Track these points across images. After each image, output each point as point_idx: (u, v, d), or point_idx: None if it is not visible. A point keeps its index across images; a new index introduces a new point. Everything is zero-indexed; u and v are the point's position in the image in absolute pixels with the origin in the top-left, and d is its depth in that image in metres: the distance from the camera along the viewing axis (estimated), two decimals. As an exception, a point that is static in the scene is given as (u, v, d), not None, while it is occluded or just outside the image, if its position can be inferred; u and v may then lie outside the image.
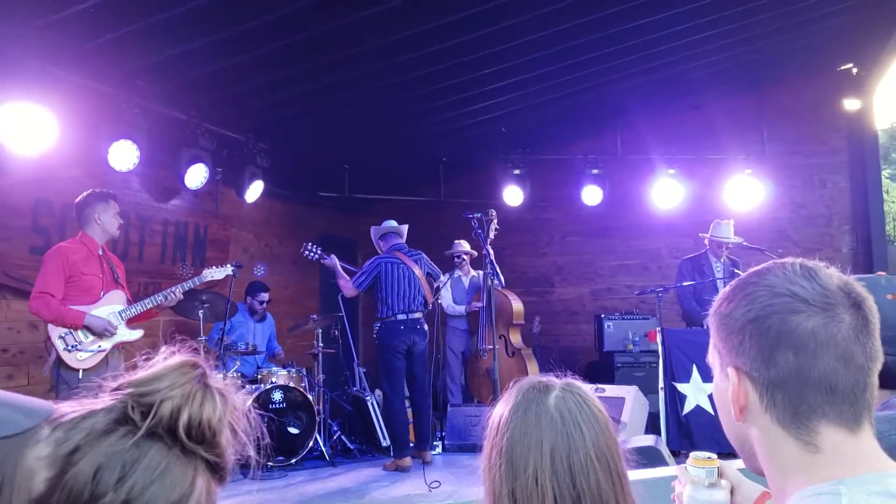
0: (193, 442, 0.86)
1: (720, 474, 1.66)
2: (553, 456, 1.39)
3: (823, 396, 1.09)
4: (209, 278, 5.79)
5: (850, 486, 1.05)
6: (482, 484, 1.49)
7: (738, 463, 1.79)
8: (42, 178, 6.28)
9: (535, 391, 1.49)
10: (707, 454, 1.67)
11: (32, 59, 5.32)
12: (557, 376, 1.55)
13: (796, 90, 9.84)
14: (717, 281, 7.64)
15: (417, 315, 7.34)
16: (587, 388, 1.54)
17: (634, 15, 6.62)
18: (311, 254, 7.53)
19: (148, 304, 5.43)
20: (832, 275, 1.15)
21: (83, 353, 5.09)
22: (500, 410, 1.51)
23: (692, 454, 1.68)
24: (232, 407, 0.91)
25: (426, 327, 7.47)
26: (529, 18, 6.26)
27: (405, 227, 7.74)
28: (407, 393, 7.51)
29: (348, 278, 7.46)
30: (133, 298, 5.63)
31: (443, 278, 8.28)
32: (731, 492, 1.65)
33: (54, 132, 5.52)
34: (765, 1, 6.95)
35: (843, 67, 9.56)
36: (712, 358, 1.25)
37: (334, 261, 7.54)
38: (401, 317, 7.25)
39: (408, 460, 7.06)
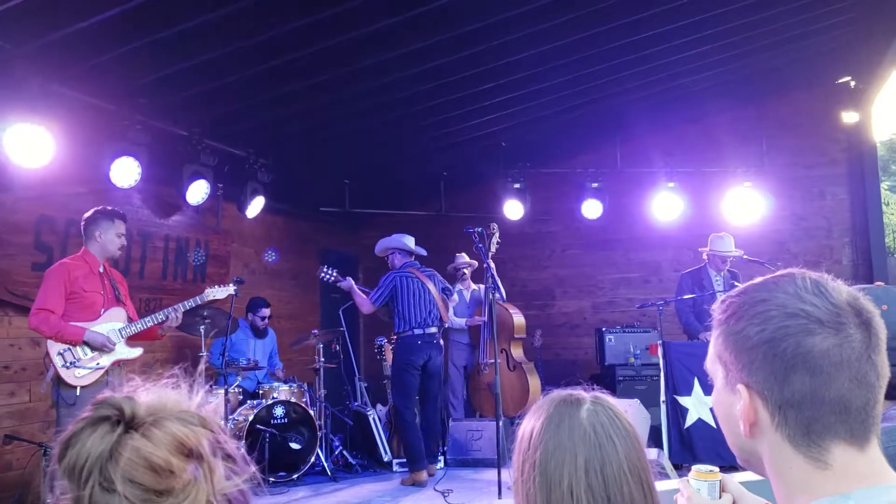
0: None
1: (722, 488, 1.67)
2: (587, 469, 1.40)
3: (836, 416, 1.09)
4: (211, 297, 5.77)
5: (859, 499, 1.06)
6: (513, 497, 1.50)
7: (741, 476, 1.80)
8: (45, 194, 6.30)
9: (567, 405, 1.50)
10: (709, 467, 1.67)
11: (35, 76, 5.35)
12: (585, 389, 1.57)
13: (795, 103, 9.88)
14: (717, 294, 7.65)
15: (433, 330, 7.38)
16: (615, 402, 1.55)
17: (634, 29, 6.66)
18: (328, 276, 7.60)
19: (148, 321, 5.42)
20: (840, 289, 1.15)
21: (81, 370, 5.07)
22: (531, 424, 1.51)
23: (694, 467, 1.69)
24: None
25: (441, 342, 7.55)
26: (529, 33, 6.29)
27: (413, 245, 7.76)
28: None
29: (364, 296, 7.49)
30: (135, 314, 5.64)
31: (455, 297, 8.26)
32: (733, 505, 1.65)
33: (57, 149, 5.55)
34: (763, 15, 6.99)
35: (841, 80, 9.59)
36: (713, 367, 1.25)
37: (350, 282, 7.59)
38: (417, 331, 7.30)
39: (424, 474, 7.07)
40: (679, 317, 7.92)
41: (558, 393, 1.56)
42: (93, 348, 5.12)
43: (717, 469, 1.68)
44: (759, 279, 1.22)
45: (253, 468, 1.02)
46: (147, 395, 0.99)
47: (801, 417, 1.10)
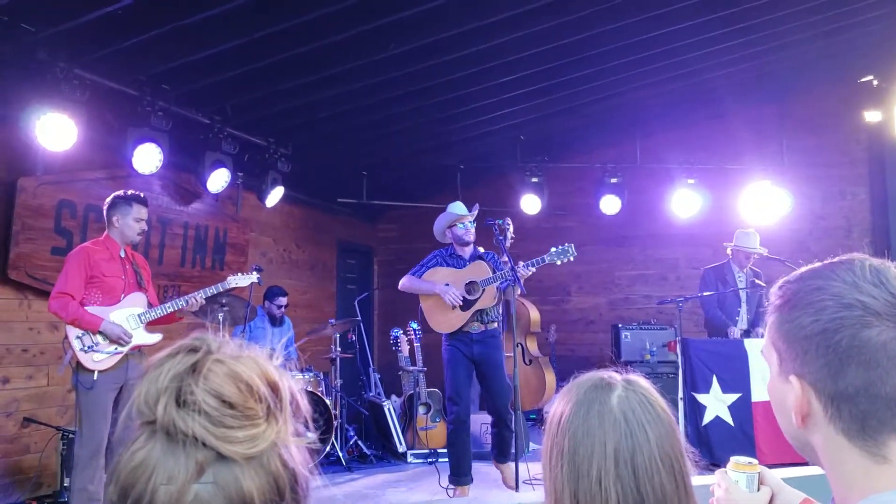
0: None
1: (761, 480, 1.65)
2: (617, 458, 1.35)
3: (893, 411, 1.06)
4: (233, 285, 5.70)
5: None
6: (543, 481, 1.46)
7: (778, 472, 1.78)
8: (66, 179, 6.33)
9: (597, 389, 1.43)
10: (748, 459, 1.66)
11: (58, 61, 5.37)
12: (618, 371, 1.50)
13: (816, 101, 9.82)
14: (741, 291, 7.59)
15: None
16: (649, 386, 1.48)
17: (654, 25, 6.62)
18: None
19: (169, 308, 5.38)
20: None
21: (99, 355, 5.05)
22: (560, 409, 1.45)
23: (733, 459, 1.67)
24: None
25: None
26: (548, 27, 6.26)
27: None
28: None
29: None
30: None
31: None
32: (772, 498, 1.64)
33: (79, 134, 5.57)
34: (785, 13, 6.94)
35: (863, 79, 9.51)
36: (768, 353, 1.22)
37: None
38: None
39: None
40: (706, 312, 7.82)
41: (589, 376, 1.49)
42: (108, 340, 5.10)
43: (755, 461, 1.66)
44: (817, 264, 1.18)
45: (315, 436, 1.00)
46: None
47: (855, 411, 1.07)
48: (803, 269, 1.19)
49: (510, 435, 6.19)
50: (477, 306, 6.18)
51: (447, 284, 6.29)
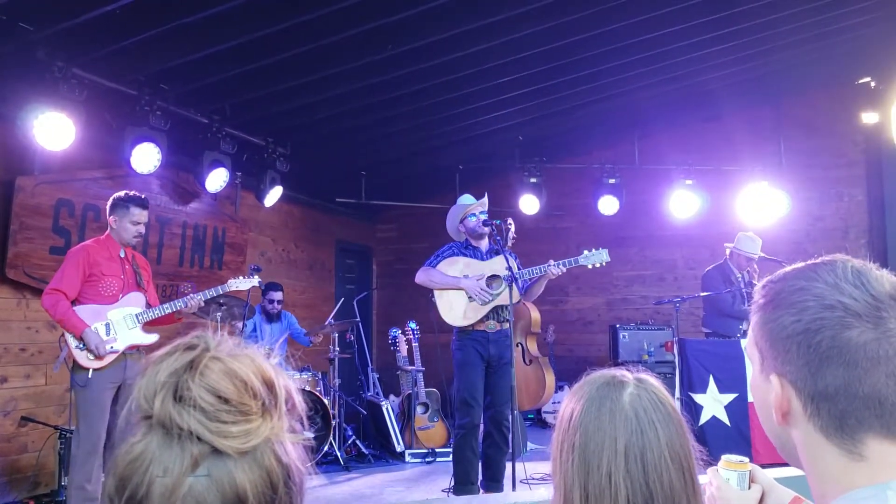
0: None
1: (752, 478, 1.66)
2: (627, 454, 1.37)
3: (871, 411, 1.07)
4: (234, 288, 5.69)
5: None
6: (552, 476, 1.47)
7: (770, 472, 1.79)
8: (64, 178, 6.34)
9: (609, 387, 1.46)
10: (739, 457, 1.67)
11: (57, 60, 5.37)
12: (629, 370, 1.51)
13: (814, 103, 9.83)
14: (744, 290, 7.56)
15: None
16: (660, 385, 1.50)
17: (653, 26, 6.63)
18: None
19: (167, 308, 5.36)
20: (884, 279, 1.13)
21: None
22: (572, 405, 1.47)
23: (724, 457, 1.68)
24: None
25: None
26: (547, 28, 6.27)
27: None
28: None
29: None
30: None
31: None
32: (763, 496, 1.65)
33: (77, 133, 5.57)
34: (782, 14, 6.96)
35: (861, 81, 9.52)
36: (751, 351, 1.23)
37: None
38: None
39: None
40: (729, 310, 7.47)
41: (601, 374, 1.51)
42: (87, 348, 5.00)
43: (747, 459, 1.67)
44: (800, 264, 1.18)
45: (310, 434, 1.02)
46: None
47: (834, 410, 1.08)
48: (786, 269, 1.20)
49: (506, 448, 5.94)
50: (497, 301, 6.01)
51: (466, 277, 6.10)
